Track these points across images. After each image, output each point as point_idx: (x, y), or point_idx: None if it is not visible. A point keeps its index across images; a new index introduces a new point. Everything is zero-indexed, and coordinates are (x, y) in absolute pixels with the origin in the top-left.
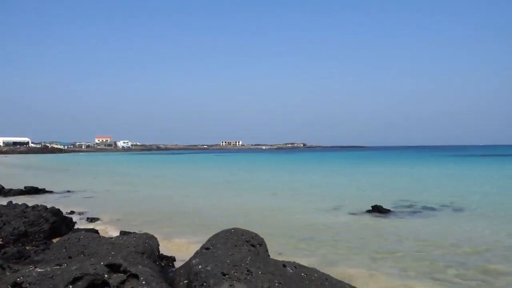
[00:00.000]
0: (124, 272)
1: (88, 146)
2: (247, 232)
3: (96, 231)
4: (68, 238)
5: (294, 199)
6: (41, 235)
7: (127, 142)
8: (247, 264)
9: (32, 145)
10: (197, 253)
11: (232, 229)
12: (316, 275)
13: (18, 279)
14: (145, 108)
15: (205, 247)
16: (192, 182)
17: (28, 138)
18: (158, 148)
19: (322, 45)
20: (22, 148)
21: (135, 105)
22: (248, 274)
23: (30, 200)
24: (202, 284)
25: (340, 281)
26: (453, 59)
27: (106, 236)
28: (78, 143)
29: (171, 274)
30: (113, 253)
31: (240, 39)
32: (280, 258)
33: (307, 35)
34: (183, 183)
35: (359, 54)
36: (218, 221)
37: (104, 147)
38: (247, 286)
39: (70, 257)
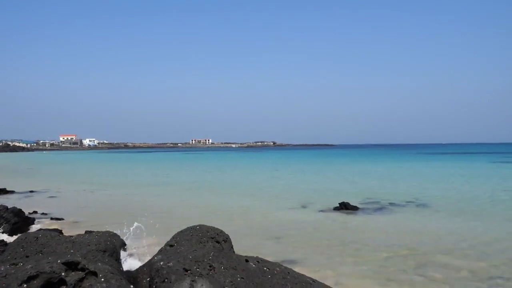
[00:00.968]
0: (82, 269)
1: (52, 145)
2: (213, 228)
3: (60, 231)
4: (26, 237)
5: (263, 197)
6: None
7: (94, 140)
8: (209, 259)
9: None
10: (161, 250)
11: (197, 225)
12: (278, 269)
13: None
14: (112, 105)
15: (169, 244)
16: (161, 181)
17: None
18: (126, 147)
19: (293, 44)
20: None
21: (102, 103)
22: (211, 270)
23: None
24: (164, 281)
25: (302, 275)
26: (423, 56)
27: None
28: (41, 141)
29: (134, 272)
30: (72, 251)
31: (210, 36)
32: (246, 255)
33: (276, 34)
34: (151, 182)
35: (329, 53)
36: (187, 220)
37: (69, 145)
38: (209, 281)
39: (27, 256)
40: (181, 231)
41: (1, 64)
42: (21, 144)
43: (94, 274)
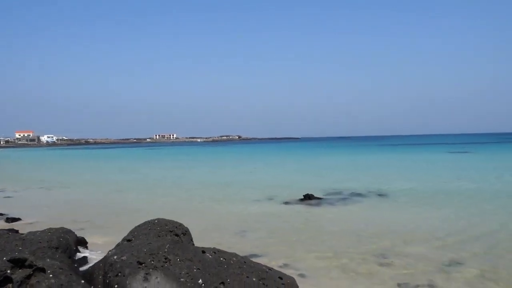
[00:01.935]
0: (30, 266)
1: (7, 142)
2: (171, 222)
3: (16, 231)
4: None
5: (228, 191)
6: None
7: (52, 137)
8: (165, 252)
9: None
10: (117, 245)
11: (156, 219)
12: (235, 259)
13: None
14: (72, 100)
15: (126, 239)
16: (124, 178)
17: None
18: (87, 143)
19: (258, 38)
20: None
21: (60, 98)
22: (166, 262)
23: None
24: (117, 275)
25: (258, 264)
26: (378, 52)
27: None
28: None
29: (90, 269)
30: (20, 248)
31: (174, 33)
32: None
33: (241, 30)
34: (114, 178)
35: (293, 48)
36: (150, 215)
37: (26, 142)
38: (164, 273)
39: None
40: (139, 226)
41: None
42: None
43: (42, 270)
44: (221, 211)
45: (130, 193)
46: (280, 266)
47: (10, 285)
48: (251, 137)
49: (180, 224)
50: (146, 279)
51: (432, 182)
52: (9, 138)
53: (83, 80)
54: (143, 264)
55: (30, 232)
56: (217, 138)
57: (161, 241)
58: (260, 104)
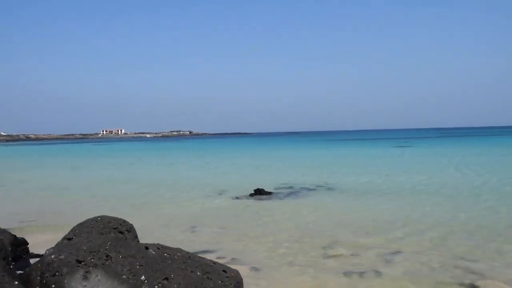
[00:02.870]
0: None
1: None
2: (115, 219)
3: None
4: None
5: (179, 187)
6: None
7: None
8: (106, 249)
9: None
10: (57, 244)
11: (99, 217)
12: (179, 254)
13: None
14: (10, 92)
15: (67, 238)
16: (69, 175)
17: None
18: (28, 138)
19: (207, 33)
20: None
21: None
22: (107, 260)
23: None
24: (54, 274)
25: (203, 258)
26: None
27: None
28: None
29: (28, 270)
30: None
31: (125, 29)
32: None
33: (186, 26)
34: (57, 176)
35: (244, 41)
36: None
37: None
38: (104, 271)
39: None
40: (81, 223)
41: None
42: None
43: None
44: (171, 207)
45: (75, 191)
46: (229, 261)
47: None
48: (202, 132)
49: (124, 221)
50: (85, 278)
51: (379, 175)
52: None
53: (25, 73)
54: (82, 263)
55: None
56: (167, 134)
57: (103, 238)
58: (211, 99)
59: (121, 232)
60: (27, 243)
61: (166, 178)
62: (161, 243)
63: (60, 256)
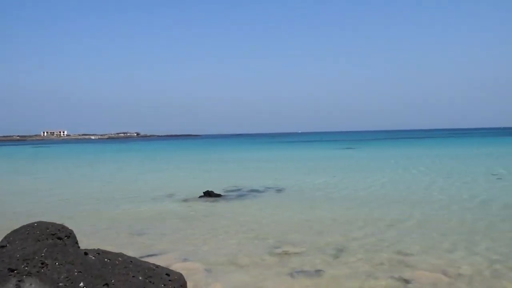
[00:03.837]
0: None
1: None
2: (53, 224)
3: None
4: None
5: (125, 191)
6: None
7: None
8: (42, 256)
9: None
10: None
11: (35, 223)
12: (120, 259)
13: None
14: None
15: (0, 246)
16: (6, 179)
17: None
18: None
19: (159, 30)
20: None
21: None
22: (42, 267)
23: None
24: None
25: (146, 262)
26: (285, 45)
27: None
28: None
29: None
30: None
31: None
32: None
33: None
34: None
35: (200, 40)
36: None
37: None
38: (39, 279)
39: None
40: (15, 230)
41: None
42: None
43: None
44: (115, 211)
45: (12, 196)
46: (174, 263)
47: None
48: (150, 134)
49: (63, 226)
50: (18, 287)
51: (326, 177)
52: None
53: None
54: (15, 271)
55: None
56: (113, 135)
57: (39, 245)
58: (159, 99)
59: (59, 238)
60: None
61: (112, 182)
62: (104, 248)
63: None
